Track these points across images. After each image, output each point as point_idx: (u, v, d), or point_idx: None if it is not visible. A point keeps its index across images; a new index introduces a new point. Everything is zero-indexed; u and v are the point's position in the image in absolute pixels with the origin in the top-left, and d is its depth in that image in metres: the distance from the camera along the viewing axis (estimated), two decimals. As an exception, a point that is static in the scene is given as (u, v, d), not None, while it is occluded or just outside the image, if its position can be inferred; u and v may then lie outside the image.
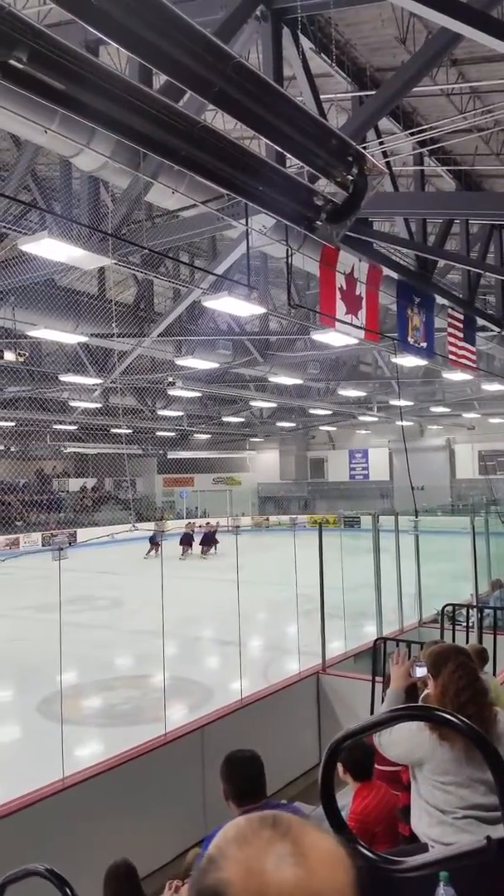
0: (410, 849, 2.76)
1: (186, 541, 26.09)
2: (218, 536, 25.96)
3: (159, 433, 31.39)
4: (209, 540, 26.07)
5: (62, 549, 6.20)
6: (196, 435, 34.92)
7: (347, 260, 8.32)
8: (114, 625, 14.46)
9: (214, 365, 16.13)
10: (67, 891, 1.87)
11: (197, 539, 26.51)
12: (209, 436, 36.22)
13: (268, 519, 37.09)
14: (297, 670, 8.00)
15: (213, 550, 25.96)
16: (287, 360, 17.78)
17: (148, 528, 25.86)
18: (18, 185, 9.45)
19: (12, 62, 3.42)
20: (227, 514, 35.63)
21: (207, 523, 27.95)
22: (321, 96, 7.31)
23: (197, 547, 26.25)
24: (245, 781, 2.81)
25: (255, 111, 4.65)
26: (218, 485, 40.36)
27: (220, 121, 8.02)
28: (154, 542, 23.96)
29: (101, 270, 14.35)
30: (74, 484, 36.92)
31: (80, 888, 2.00)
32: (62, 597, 5.91)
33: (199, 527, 27.67)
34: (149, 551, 24.27)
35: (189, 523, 28.56)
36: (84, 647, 11.11)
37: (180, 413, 26.25)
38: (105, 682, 10.46)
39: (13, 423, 25.40)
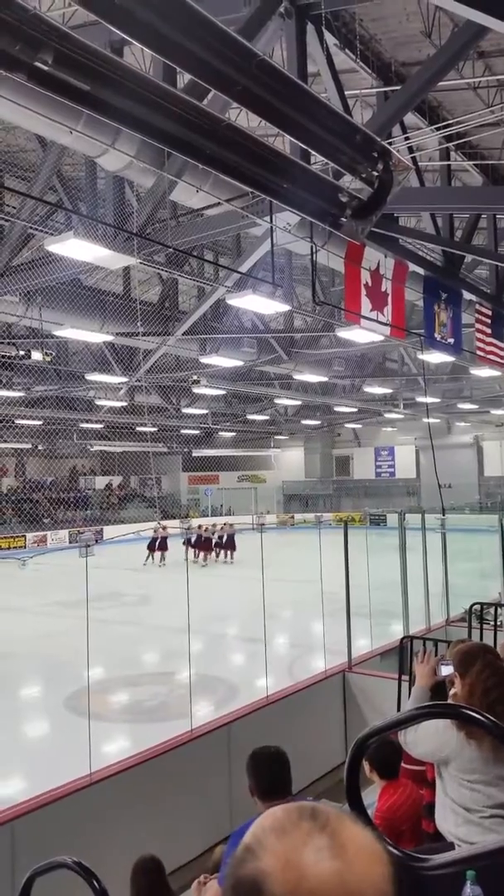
0: (437, 847, 2.75)
1: (206, 545, 24.09)
2: (237, 538, 24.09)
3: (184, 431, 31.52)
4: (229, 544, 24.35)
5: (89, 545, 6.26)
6: (221, 433, 35.01)
7: (373, 256, 8.28)
8: (140, 621, 14.57)
9: (239, 363, 16.15)
10: (95, 883, 1.89)
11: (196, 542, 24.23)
12: (234, 434, 36.30)
13: (293, 517, 37.08)
14: (322, 668, 7.98)
15: (228, 557, 24.19)
16: (312, 358, 17.73)
17: (174, 525, 25.89)
18: (45, 185, 9.54)
19: (38, 64, 3.45)
20: (252, 511, 35.69)
21: (223, 525, 25.58)
22: (346, 92, 7.28)
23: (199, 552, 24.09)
24: (271, 778, 2.82)
25: (280, 109, 4.64)
26: (243, 483, 40.43)
27: (245, 119, 8.02)
28: (153, 547, 22.80)
29: (127, 270, 14.45)
30: (101, 482, 37.27)
31: (106, 882, 2.02)
32: (89, 593, 5.97)
33: (204, 529, 25.04)
34: (147, 557, 22.97)
35: (200, 525, 26.27)
36: (111, 644, 11.21)
37: (205, 411, 26.33)
38: (131, 678, 10.53)
39: (41, 422, 25.68)
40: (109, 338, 13.11)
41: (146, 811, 5.30)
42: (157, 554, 23.17)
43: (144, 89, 4.23)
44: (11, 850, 4.47)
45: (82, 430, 28.72)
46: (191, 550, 22.72)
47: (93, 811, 5.00)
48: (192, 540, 22.96)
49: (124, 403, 21.67)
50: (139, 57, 7.82)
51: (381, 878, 0.68)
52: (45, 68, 3.48)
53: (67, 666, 9.92)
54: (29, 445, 30.67)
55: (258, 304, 8.56)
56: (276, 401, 26.21)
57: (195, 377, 18.29)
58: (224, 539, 24.41)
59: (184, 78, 5.62)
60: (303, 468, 41.70)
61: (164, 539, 23.22)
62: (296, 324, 18.15)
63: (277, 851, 0.69)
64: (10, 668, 11.55)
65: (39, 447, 31.99)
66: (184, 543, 20.42)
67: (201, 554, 23.66)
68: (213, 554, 24.22)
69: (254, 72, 4.28)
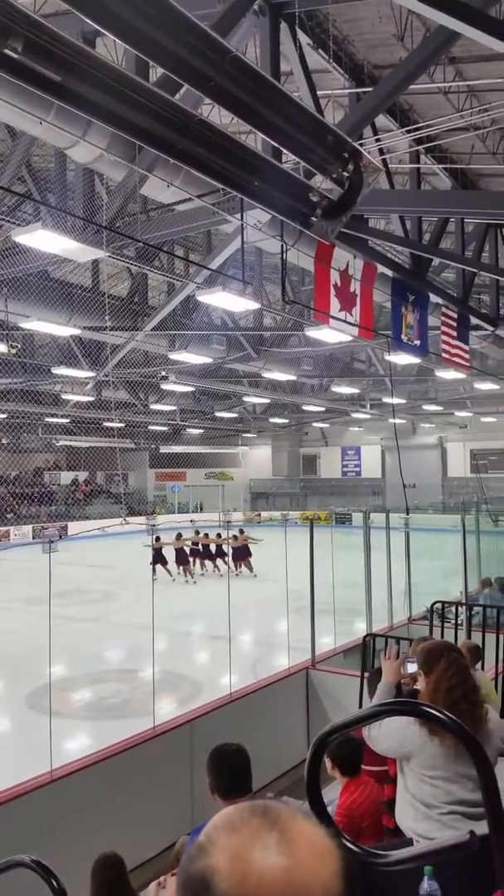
0: (395, 843, 2.78)
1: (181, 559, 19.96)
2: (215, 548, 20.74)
3: (152, 427, 31.36)
4: (216, 555, 20.73)
5: (53, 541, 6.20)
6: (189, 430, 34.90)
7: (342, 257, 8.32)
8: (104, 618, 14.45)
9: (208, 360, 16.12)
10: (54, 882, 1.88)
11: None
12: (202, 431, 36.22)
13: (259, 514, 37.15)
14: (286, 666, 8.02)
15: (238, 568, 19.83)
16: (281, 356, 17.77)
17: (139, 522, 25.24)
18: (13, 176, 9.40)
19: (7, 52, 3.40)
20: (220, 509, 35.66)
21: (206, 535, 20.98)
22: (318, 92, 7.30)
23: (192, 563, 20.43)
24: (231, 775, 2.81)
25: (252, 106, 4.64)
26: (210, 480, 40.37)
27: (217, 115, 7.99)
28: (160, 559, 19.10)
29: (95, 263, 14.31)
30: (66, 477, 36.89)
31: (67, 880, 2.00)
32: (52, 589, 5.91)
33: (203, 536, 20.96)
34: (156, 572, 18.62)
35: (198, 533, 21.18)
36: (74, 640, 11.11)
37: (173, 408, 26.21)
38: (94, 676, 10.46)
39: (5, 415, 25.32)
40: (77, 331, 12.97)
41: (108, 808, 5.27)
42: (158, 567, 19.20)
43: (116, 82, 4.19)
44: (-31, 849, 4.41)
45: (48, 424, 28.37)
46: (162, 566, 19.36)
47: (53, 809, 4.96)
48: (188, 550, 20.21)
49: (91, 398, 21.46)
50: (112, 49, 7.75)
51: (330, 875, 0.68)
52: (15, 56, 3.43)
53: (29, 662, 9.82)
54: (-8, 439, 30.23)
55: (228, 301, 8.55)
56: (245, 398, 26.21)
57: (164, 373, 18.20)
58: (214, 549, 20.75)
59: (156, 72, 5.59)
60: (270, 466, 41.81)
61: (159, 552, 19.52)
62: (265, 322, 18.18)
63: (226, 848, 0.69)
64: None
65: (3, 441, 31.52)
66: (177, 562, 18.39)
67: (199, 563, 20.51)
68: (210, 564, 20.64)
69: (227, 68, 4.27)
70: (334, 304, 8.21)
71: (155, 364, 18.28)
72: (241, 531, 20.53)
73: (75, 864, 3.24)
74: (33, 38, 3.45)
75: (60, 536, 26.32)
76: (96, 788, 5.28)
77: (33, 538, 29.29)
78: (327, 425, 36.40)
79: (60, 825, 4.87)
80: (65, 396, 22.03)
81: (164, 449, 36.47)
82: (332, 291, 8.14)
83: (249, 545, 19.73)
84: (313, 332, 10.72)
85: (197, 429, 35.04)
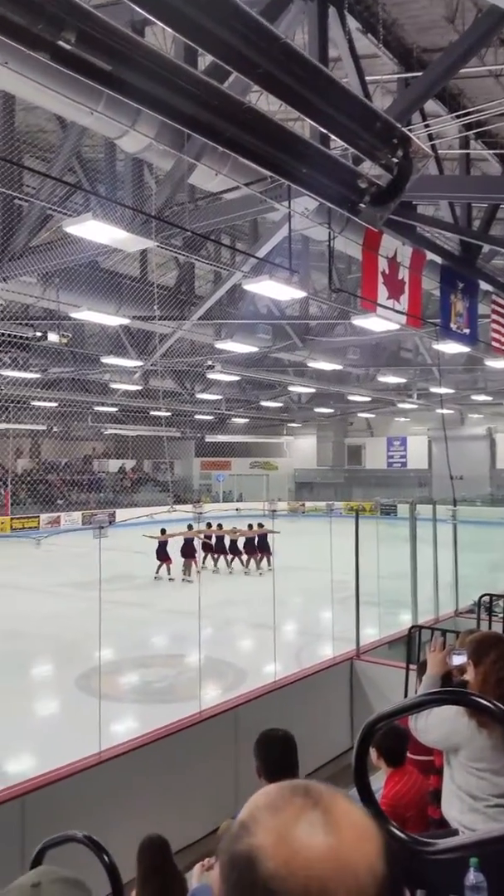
0: (441, 833, 2.77)
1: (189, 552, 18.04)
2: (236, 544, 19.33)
3: (198, 416, 31.55)
4: (230, 549, 19.34)
5: (103, 528, 6.30)
6: (234, 419, 35.00)
7: (390, 244, 8.22)
8: (150, 604, 14.65)
9: (254, 349, 16.12)
10: (105, 857, 1.92)
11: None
12: (247, 420, 36.29)
13: (303, 504, 37.08)
14: (330, 655, 8.02)
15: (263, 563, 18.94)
16: (326, 346, 17.65)
17: (186, 509, 25.29)
18: (64, 166, 9.53)
19: (61, 43, 3.44)
20: (264, 498, 35.73)
21: (220, 525, 19.57)
22: (367, 78, 7.20)
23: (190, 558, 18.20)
24: (278, 759, 2.84)
25: (300, 93, 4.60)
26: (255, 469, 40.46)
27: (265, 102, 7.95)
28: (164, 556, 17.81)
29: (144, 253, 14.41)
30: (114, 465, 37.45)
31: (114, 858, 2.05)
32: (101, 575, 6.02)
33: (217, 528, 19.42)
34: (159, 568, 17.88)
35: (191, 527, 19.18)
36: (121, 625, 11.31)
37: (219, 397, 26.31)
38: (141, 660, 10.63)
39: (56, 404, 25.78)
40: (125, 321, 13.11)
41: (153, 791, 5.37)
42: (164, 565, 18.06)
43: (165, 70, 4.21)
44: (21, 823, 4.55)
45: (97, 412, 28.80)
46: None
47: (101, 789, 5.07)
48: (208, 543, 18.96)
49: (139, 387, 21.69)
50: (161, 37, 7.77)
51: (373, 854, 0.68)
52: (68, 48, 3.47)
53: (79, 646, 10.03)
54: (44, 427, 30.79)
55: (274, 289, 8.52)
56: (290, 388, 26.13)
57: (210, 362, 18.26)
58: (256, 541, 19.16)
59: (205, 59, 5.58)
60: (315, 456, 41.64)
61: (164, 546, 18.10)
62: (311, 311, 18.05)
63: (270, 827, 0.70)
64: (23, 647, 11.69)
65: (54, 429, 32.11)
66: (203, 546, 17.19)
67: (210, 558, 19.29)
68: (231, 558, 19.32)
69: (276, 55, 4.25)
70: (382, 292, 8.12)
71: (201, 353, 18.36)
72: (260, 524, 18.92)
73: (122, 844, 3.32)
74: (86, 29, 3.48)
75: (110, 522, 26.79)
76: (142, 771, 5.38)
77: (83, 524, 29.87)
78: (373, 415, 36.04)
79: (108, 805, 4.99)
80: (113, 385, 22.33)
81: (209, 438, 36.67)
82: (380, 279, 8.05)
83: (268, 539, 18.34)
84: (360, 321, 10.62)
85: (242, 418, 35.12)
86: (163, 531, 18.05)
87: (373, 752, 3.69)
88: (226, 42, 4.01)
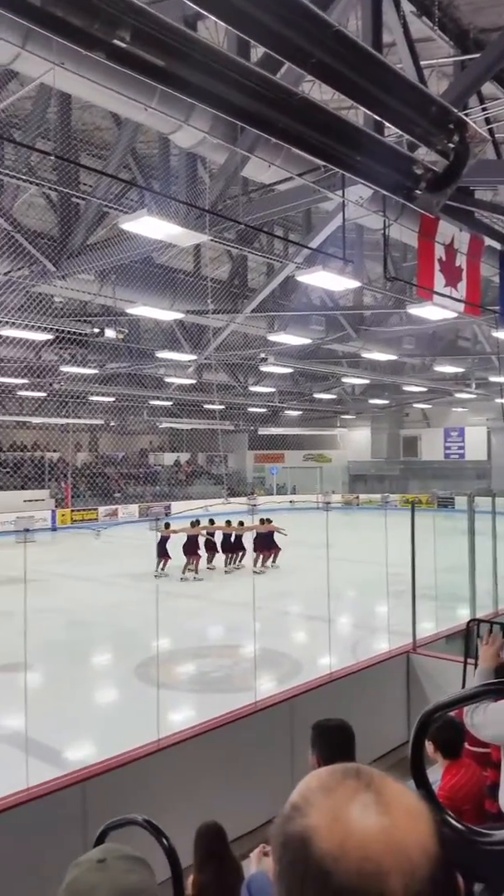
0: (499, 826, 2.73)
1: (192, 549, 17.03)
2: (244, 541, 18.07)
3: (251, 409, 31.64)
4: (235, 546, 17.98)
5: (159, 520, 6.40)
6: (287, 411, 34.97)
7: (447, 230, 8.06)
8: (205, 595, 14.81)
9: (307, 341, 16.05)
10: (164, 841, 1.96)
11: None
12: (300, 412, 36.20)
13: (358, 497, 36.83)
14: (386, 648, 7.96)
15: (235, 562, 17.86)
16: (381, 336, 17.45)
17: (240, 501, 25.21)
18: (119, 163, 9.66)
19: (116, 42, 3.49)
20: (317, 491, 35.64)
21: (228, 522, 18.49)
22: (422, 62, 7.06)
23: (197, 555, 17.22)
24: (335, 749, 2.83)
25: (355, 80, 4.56)
26: (308, 462, 40.36)
27: (317, 91, 7.89)
28: (163, 552, 16.77)
29: (197, 247, 14.51)
30: (169, 458, 37.93)
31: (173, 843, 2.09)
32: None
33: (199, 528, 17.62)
34: (159, 564, 16.69)
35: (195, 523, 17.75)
36: (177, 616, 11.48)
37: (272, 389, 26.32)
38: (197, 650, 10.76)
39: (113, 399, 26.26)
40: (179, 315, 13.24)
41: (210, 779, 5.44)
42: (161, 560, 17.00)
43: (218, 63, 4.22)
44: (83, 808, 4.68)
45: (152, 407, 29.20)
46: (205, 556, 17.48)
47: (159, 776, 5.17)
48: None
49: (193, 381, 21.90)
50: (213, 31, 7.79)
51: (426, 835, 0.69)
52: (123, 46, 3.52)
53: (136, 635, 10.22)
54: (101, 421, 31.44)
55: (328, 280, 8.47)
56: (344, 379, 25.94)
57: (263, 355, 18.28)
58: (233, 539, 18.06)
59: (257, 51, 5.57)
60: (369, 448, 41.24)
61: (164, 542, 17.09)
62: (365, 300, 17.87)
63: (323, 808, 0.70)
64: (84, 636, 11.98)
65: (111, 423, 32.74)
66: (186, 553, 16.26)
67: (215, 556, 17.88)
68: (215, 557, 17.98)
69: (329, 43, 4.21)
70: (439, 280, 7.98)
71: (254, 346, 18.40)
72: (269, 520, 18.08)
73: (179, 830, 3.38)
74: (140, 27, 3.53)
75: (166, 514, 27.17)
76: (200, 759, 5.46)
77: (139, 516, 30.39)
78: (429, 406, 35.47)
79: (165, 792, 5.08)
80: (168, 379, 22.59)
81: (262, 431, 36.73)
82: (437, 266, 7.91)
83: (276, 537, 17.51)
84: (416, 310, 10.46)
85: (295, 410, 35.04)
86: (167, 525, 17.57)
87: (429, 746, 3.66)
88: (278, 32, 4.00)
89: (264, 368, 20.92)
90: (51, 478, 31.18)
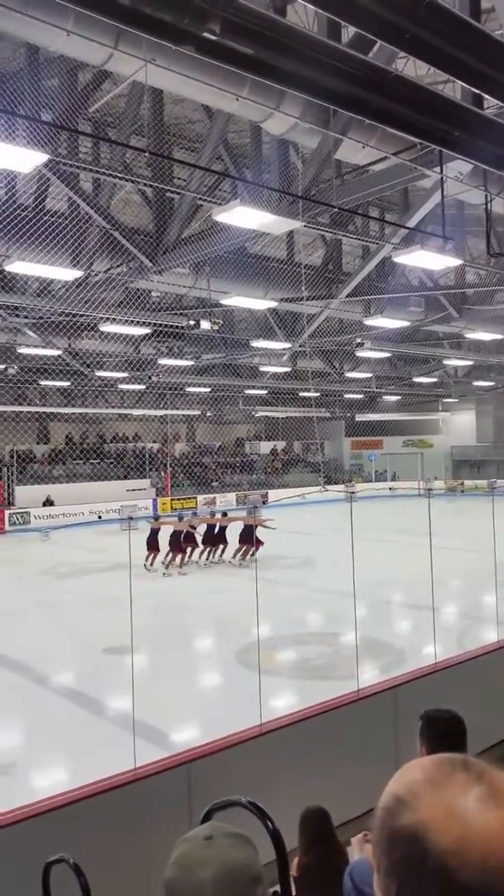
0: None
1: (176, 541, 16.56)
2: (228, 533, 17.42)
3: (347, 396, 31.32)
4: (216, 538, 17.39)
5: (257, 507, 6.45)
6: (385, 397, 34.39)
7: (553, 203, 7.66)
8: (303, 583, 14.84)
9: (405, 323, 15.71)
10: (269, 823, 1.98)
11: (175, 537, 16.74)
12: (399, 397, 35.51)
13: (462, 483, 35.74)
14: (495, 639, 7.72)
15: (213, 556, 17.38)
16: (485, 315, 16.83)
17: (338, 489, 25.03)
18: (212, 155, 9.75)
19: (206, 35, 3.51)
20: (419, 477, 34.90)
21: (212, 514, 18.21)
22: (524, 25, 6.71)
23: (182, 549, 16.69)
24: (445, 742, 2.74)
25: (451, 53, 4.39)
26: (408, 447, 39.56)
27: (411, 67, 7.66)
28: (153, 544, 16.25)
29: (290, 234, 14.47)
30: (265, 447, 38.18)
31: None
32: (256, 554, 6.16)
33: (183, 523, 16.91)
34: (149, 557, 16.19)
35: (185, 518, 17.29)
36: (276, 603, 11.56)
37: (369, 375, 25.94)
38: (297, 637, 10.81)
39: (209, 389, 26.69)
40: (273, 304, 13.25)
41: (311, 765, 5.46)
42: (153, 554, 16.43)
43: (308, 48, 4.17)
44: (188, 789, 4.81)
45: (247, 396, 29.46)
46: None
47: (261, 760, 5.24)
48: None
49: (287, 369, 21.90)
50: (302, 14, 7.70)
51: None
52: (213, 38, 3.53)
53: (237, 621, 10.39)
54: (198, 412, 32.04)
55: (427, 259, 8.23)
56: (445, 362, 25.19)
57: (359, 340, 18.04)
58: (216, 530, 17.49)
59: (348, 31, 5.46)
60: (474, 432, 39.92)
61: (155, 535, 16.48)
62: (468, 279, 17.26)
63: (435, 802, 0.68)
64: (187, 621, 12.30)
65: (208, 413, 33.32)
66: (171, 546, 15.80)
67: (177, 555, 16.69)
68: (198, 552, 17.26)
69: (423, 16, 4.07)
70: (544, 256, 7.59)
71: (350, 331, 18.19)
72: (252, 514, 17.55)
73: (280, 814, 3.41)
74: (230, 18, 3.53)
75: (264, 503, 27.40)
76: (301, 745, 5.49)
77: (237, 504, 30.82)
78: (537, 387, 33.91)
79: (267, 776, 5.13)
80: (262, 368, 22.71)
81: (359, 417, 36.30)
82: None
83: (259, 531, 16.60)
84: (520, 288, 10.01)
85: (394, 395, 34.40)
86: (156, 518, 17.27)
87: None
88: (369, 10, 3.90)
89: (361, 354, 20.64)
90: (151, 468, 32.10)
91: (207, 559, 17.22)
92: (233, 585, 13.42)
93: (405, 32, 4.02)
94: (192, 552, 16.97)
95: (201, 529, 17.27)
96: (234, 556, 16.78)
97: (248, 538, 16.55)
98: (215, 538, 17.27)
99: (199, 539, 17.04)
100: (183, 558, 16.55)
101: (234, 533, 17.17)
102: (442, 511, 17.25)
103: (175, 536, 16.40)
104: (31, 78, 9.17)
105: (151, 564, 16.33)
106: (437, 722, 2.79)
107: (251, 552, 16.42)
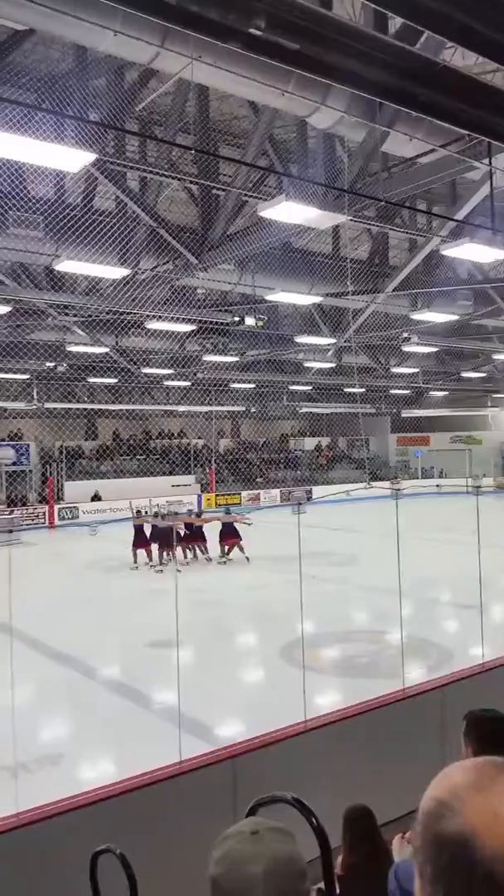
0: None
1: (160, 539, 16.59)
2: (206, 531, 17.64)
3: (393, 391, 30.97)
4: (193, 536, 17.49)
5: (301, 504, 6.45)
6: (432, 392, 33.90)
7: None
8: (348, 580, 14.75)
9: (453, 317, 15.45)
10: (313, 820, 1.99)
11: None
12: (446, 393, 34.96)
13: (512, 480, 35.06)
14: (544, 640, 7.56)
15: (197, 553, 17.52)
16: (536, 309, 16.44)
17: (383, 486, 24.84)
18: (257, 151, 9.74)
19: (252, 31, 3.50)
20: (466, 474, 34.33)
21: (190, 512, 18.75)
22: None
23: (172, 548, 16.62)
24: (491, 743, 2.69)
25: (500, 41, 4.28)
26: (456, 444, 38.93)
27: (459, 57, 7.51)
28: (142, 541, 16.59)
29: (336, 228, 14.37)
30: (309, 443, 38.05)
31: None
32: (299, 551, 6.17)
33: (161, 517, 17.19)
34: (136, 555, 16.64)
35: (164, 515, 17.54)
36: (321, 600, 11.51)
37: (415, 370, 25.61)
38: (342, 635, 10.76)
39: (253, 385, 26.71)
40: (318, 299, 13.18)
41: (355, 763, 5.43)
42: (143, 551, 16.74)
43: (354, 41, 4.13)
44: (233, 783, 4.84)
45: (292, 392, 29.40)
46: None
47: (305, 757, 5.23)
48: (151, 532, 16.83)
49: (332, 365, 21.76)
50: (348, 6, 7.62)
51: None
52: (258, 34, 3.53)
53: (281, 618, 10.39)
54: (242, 408, 32.09)
55: (476, 252, 8.08)
56: (495, 356, 24.71)
57: (406, 335, 17.82)
58: (193, 529, 17.58)
59: (395, 23, 5.39)
60: (524, 428, 39.09)
61: (141, 530, 16.86)
62: (517, 272, 16.89)
63: (481, 807, 0.67)
64: (230, 616, 12.36)
65: (252, 410, 33.35)
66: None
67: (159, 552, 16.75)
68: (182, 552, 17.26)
69: (470, 4, 3.98)
70: None
71: (396, 326, 17.98)
72: (228, 511, 18.36)
73: (323, 811, 3.40)
74: (275, 12, 3.51)
75: (308, 499, 27.33)
76: (345, 742, 5.47)
77: (281, 501, 30.79)
78: None
79: (311, 773, 5.13)
80: (307, 364, 22.62)
81: (405, 413, 35.86)
82: None
83: (238, 528, 17.15)
84: None
85: (441, 391, 33.88)
86: (138, 513, 17.40)
87: None
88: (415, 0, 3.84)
89: (407, 349, 20.39)
90: (196, 464, 32.30)
91: (191, 557, 17.49)
92: (267, 581, 13.43)
93: (453, 21, 3.95)
94: (169, 550, 16.84)
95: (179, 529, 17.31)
96: (222, 555, 17.17)
97: (234, 533, 17.03)
98: (192, 536, 17.48)
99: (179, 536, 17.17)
100: (163, 555, 16.66)
101: (212, 531, 17.47)
102: (490, 508, 16.93)
103: (161, 533, 16.43)
104: (79, 78, 9.30)
105: (135, 559, 16.62)
106: (482, 722, 2.71)
107: (231, 549, 17.00)
